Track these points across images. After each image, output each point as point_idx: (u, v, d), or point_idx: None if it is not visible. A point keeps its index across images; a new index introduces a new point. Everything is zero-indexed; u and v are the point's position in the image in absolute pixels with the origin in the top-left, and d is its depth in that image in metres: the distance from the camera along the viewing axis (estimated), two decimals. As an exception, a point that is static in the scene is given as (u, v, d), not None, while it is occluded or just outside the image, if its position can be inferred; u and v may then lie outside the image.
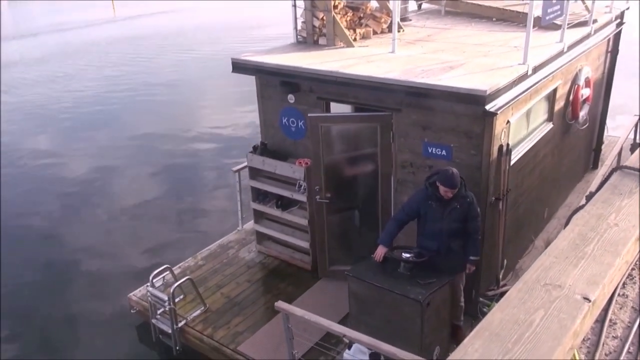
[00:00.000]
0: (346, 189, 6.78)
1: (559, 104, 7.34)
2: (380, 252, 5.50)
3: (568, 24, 6.94)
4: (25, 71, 23.37)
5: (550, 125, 7.23)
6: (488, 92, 5.09)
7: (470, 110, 5.35)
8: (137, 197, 10.94)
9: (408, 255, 5.41)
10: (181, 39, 28.91)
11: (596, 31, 7.87)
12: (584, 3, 7.92)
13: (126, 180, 11.92)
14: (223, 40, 27.13)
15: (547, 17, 6.06)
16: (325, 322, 4.89)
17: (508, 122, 5.81)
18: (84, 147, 13.92)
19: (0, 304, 7.66)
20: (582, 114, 7.93)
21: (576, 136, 8.43)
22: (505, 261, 6.65)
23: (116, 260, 8.70)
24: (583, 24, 7.65)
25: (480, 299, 6.25)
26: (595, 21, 7.83)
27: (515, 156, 6.34)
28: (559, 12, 6.29)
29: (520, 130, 6.48)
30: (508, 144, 5.89)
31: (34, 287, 8.16)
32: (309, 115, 6.39)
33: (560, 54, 6.73)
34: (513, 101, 5.58)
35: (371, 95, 6.05)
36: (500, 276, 6.52)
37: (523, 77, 5.78)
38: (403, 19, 8.82)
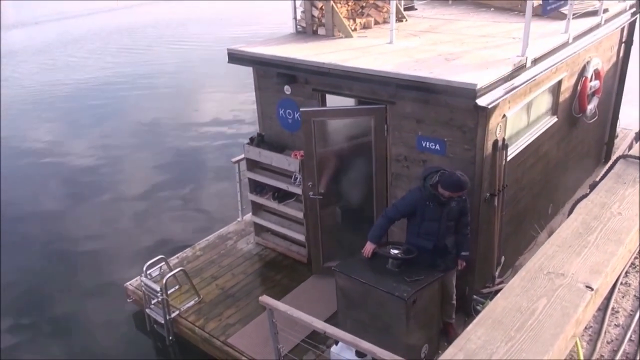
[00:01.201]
0: (340, 184, 6.68)
1: (564, 97, 7.10)
2: (369, 248, 5.43)
3: (575, 14, 6.71)
4: (26, 60, 23.44)
5: (554, 119, 7.01)
6: (479, 86, 4.93)
7: (463, 104, 5.20)
8: (140, 186, 11.00)
9: (396, 251, 5.32)
10: (183, 28, 28.74)
11: (607, 21, 7.58)
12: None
13: (128, 169, 11.97)
14: (225, 30, 26.88)
15: (549, 7, 5.84)
16: (307, 318, 4.83)
17: (504, 116, 5.63)
18: (85, 137, 13.95)
19: (0, 291, 7.79)
20: (591, 107, 7.67)
21: (585, 130, 8.17)
22: (503, 258, 6.50)
23: (117, 248, 8.77)
24: (592, 13, 7.38)
25: (475, 296, 6.12)
26: (606, 10, 7.54)
27: (513, 151, 6.17)
28: (562, 2, 6.05)
29: (519, 124, 6.29)
30: (504, 139, 5.73)
31: (36, 273, 8.30)
32: (300, 109, 6.30)
33: (565, 45, 6.49)
34: (509, 94, 5.39)
35: (365, 88, 5.94)
36: (497, 273, 6.38)
37: (521, 70, 5.59)
38: (408, 8, 8.65)
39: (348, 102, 6.91)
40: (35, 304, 7.66)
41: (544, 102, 6.80)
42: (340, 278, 5.41)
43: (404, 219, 5.53)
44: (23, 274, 8.29)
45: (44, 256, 8.74)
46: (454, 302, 5.77)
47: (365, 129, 6.26)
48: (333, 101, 6.80)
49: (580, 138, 8.11)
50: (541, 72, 5.89)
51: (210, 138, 13.56)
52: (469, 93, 4.97)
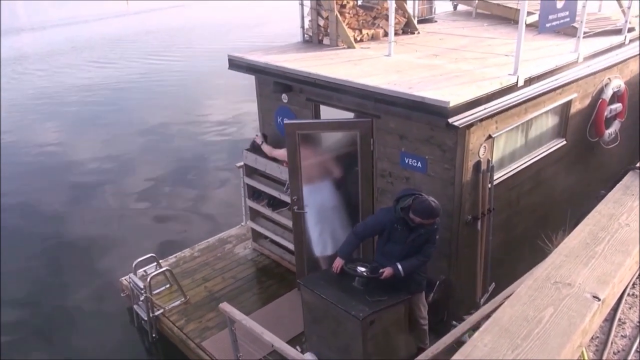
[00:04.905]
0: (326, 198, 6.56)
1: (575, 119, 6.70)
2: (338, 263, 5.31)
3: (587, 32, 6.33)
4: (36, 64, 24.07)
5: (561, 142, 6.62)
6: (452, 104, 4.74)
7: (441, 122, 5.00)
8: (147, 187, 11.25)
9: (363, 269, 5.18)
10: (193, 34, 29.07)
11: (633, 40, 7.09)
12: (620, 6, 7.16)
13: (136, 171, 12.16)
14: (237, 36, 26.97)
15: (548, 25, 5.50)
16: (259, 328, 4.81)
17: (490, 136, 5.38)
18: (91, 140, 14.20)
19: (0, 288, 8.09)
20: (610, 131, 7.19)
21: (607, 155, 7.64)
22: (493, 285, 6.20)
23: (122, 245, 9.01)
24: (615, 32, 6.93)
25: (454, 322, 5.85)
26: (631, 30, 7.05)
27: (505, 173, 5.89)
28: (566, 19, 5.69)
29: (514, 145, 5.97)
30: (489, 160, 5.46)
31: (37, 269, 8.63)
32: (285, 122, 6.26)
33: (573, 64, 6.13)
34: (492, 114, 5.13)
35: (353, 100, 5.83)
36: (482, 300, 6.07)
37: (510, 89, 5.32)
38: (426, 20, 8.47)
39: (343, 113, 6.84)
40: (36, 296, 7.97)
41: (548, 123, 6.43)
42: (305, 292, 5.33)
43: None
44: (26, 266, 8.65)
45: (47, 251, 9.07)
46: (426, 327, 5.54)
47: (352, 143, 6.14)
48: (329, 112, 6.74)
49: (599, 163, 7.59)
50: (540, 92, 5.57)
51: (222, 141, 13.67)
52: (441, 111, 4.79)
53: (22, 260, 8.81)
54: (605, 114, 7.00)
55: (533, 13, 6.46)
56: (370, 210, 6.30)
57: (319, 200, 6.37)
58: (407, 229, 5.01)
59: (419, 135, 5.42)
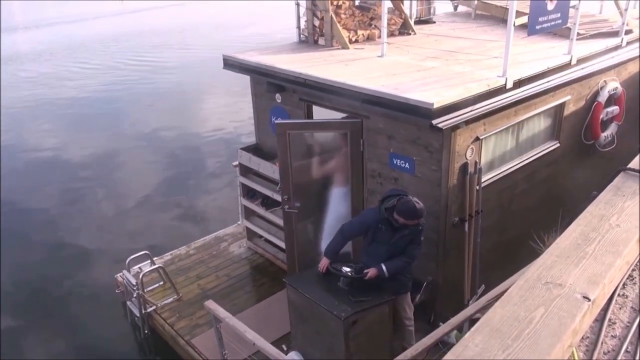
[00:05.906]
0: (316, 198, 6.58)
1: (569, 122, 6.65)
2: (324, 263, 5.33)
3: (582, 34, 6.29)
4: (29, 64, 23.97)
5: (555, 145, 6.58)
6: (436, 106, 4.74)
7: (425, 124, 5.00)
8: (145, 187, 11.29)
9: (347, 269, 5.20)
10: (189, 33, 28.91)
11: (630, 43, 7.02)
12: (618, 8, 7.09)
13: (133, 170, 12.18)
14: (234, 35, 26.86)
15: (538, 27, 5.47)
16: (241, 326, 4.85)
17: (477, 138, 5.37)
18: (87, 140, 14.16)
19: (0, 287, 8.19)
20: (606, 134, 7.14)
21: (604, 157, 7.57)
22: (482, 287, 6.17)
23: (119, 243, 9.08)
24: (612, 34, 6.87)
25: (440, 323, 5.85)
26: (629, 32, 6.99)
27: (495, 175, 5.87)
28: (557, 22, 5.66)
29: (503, 147, 5.95)
30: (477, 162, 5.45)
31: (36, 266, 8.72)
32: (276, 122, 6.30)
33: (567, 67, 6.09)
34: (478, 115, 5.12)
35: (342, 101, 5.85)
36: (470, 303, 6.05)
37: (498, 91, 5.31)
38: (425, 21, 8.44)
39: (337, 114, 6.86)
40: (34, 292, 8.07)
41: (540, 126, 6.39)
42: (290, 291, 5.37)
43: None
44: (23, 262, 8.75)
45: (44, 249, 9.16)
46: (411, 327, 5.54)
47: (342, 143, 6.16)
48: (322, 112, 6.76)
49: (595, 166, 7.51)
50: (526, 94, 5.54)
51: (220, 139, 13.69)
52: (425, 112, 4.79)
53: (19, 257, 8.91)
54: (601, 116, 6.95)
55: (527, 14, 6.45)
56: (360, 211, 6.31)
57: (331, 199, 6.42)
58: (392, 229, 5.02)
59: (407, 136, 5.42)
